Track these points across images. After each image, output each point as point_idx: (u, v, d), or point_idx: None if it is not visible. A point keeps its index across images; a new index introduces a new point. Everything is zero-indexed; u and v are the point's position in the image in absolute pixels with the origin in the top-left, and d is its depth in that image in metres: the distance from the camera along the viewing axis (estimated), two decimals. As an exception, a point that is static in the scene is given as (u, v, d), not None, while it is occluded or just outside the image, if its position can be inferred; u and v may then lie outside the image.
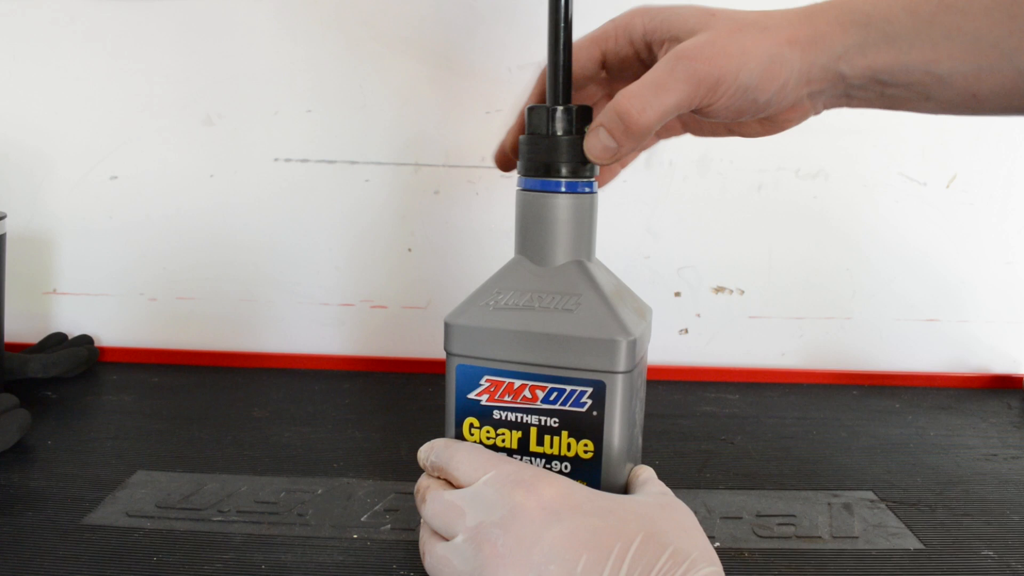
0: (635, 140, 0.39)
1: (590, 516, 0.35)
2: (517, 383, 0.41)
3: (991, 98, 0.37)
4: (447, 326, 0.41)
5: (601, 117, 0.39)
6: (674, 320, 0.81)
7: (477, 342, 0.41)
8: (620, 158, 0.40)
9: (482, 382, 0.41)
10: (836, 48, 0.37)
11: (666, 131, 0.47)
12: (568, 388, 0.40)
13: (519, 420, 0.41)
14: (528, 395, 0.41)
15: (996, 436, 0.66)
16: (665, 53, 0.40)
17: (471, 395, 0.42)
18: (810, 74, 0.38)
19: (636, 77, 0.42)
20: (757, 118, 0.41)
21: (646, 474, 0.42)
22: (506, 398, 0.41)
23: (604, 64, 0.44)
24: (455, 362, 0.42)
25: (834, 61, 0.37)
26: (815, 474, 0.58)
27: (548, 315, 0.40)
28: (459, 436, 0.42)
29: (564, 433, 0.41)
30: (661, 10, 0.41)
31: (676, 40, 0.39)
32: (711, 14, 0.39)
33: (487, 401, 0.41)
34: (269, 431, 0.63)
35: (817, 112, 0.41)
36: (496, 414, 0.41)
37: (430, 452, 0.40)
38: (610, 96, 0.45)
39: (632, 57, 0.43)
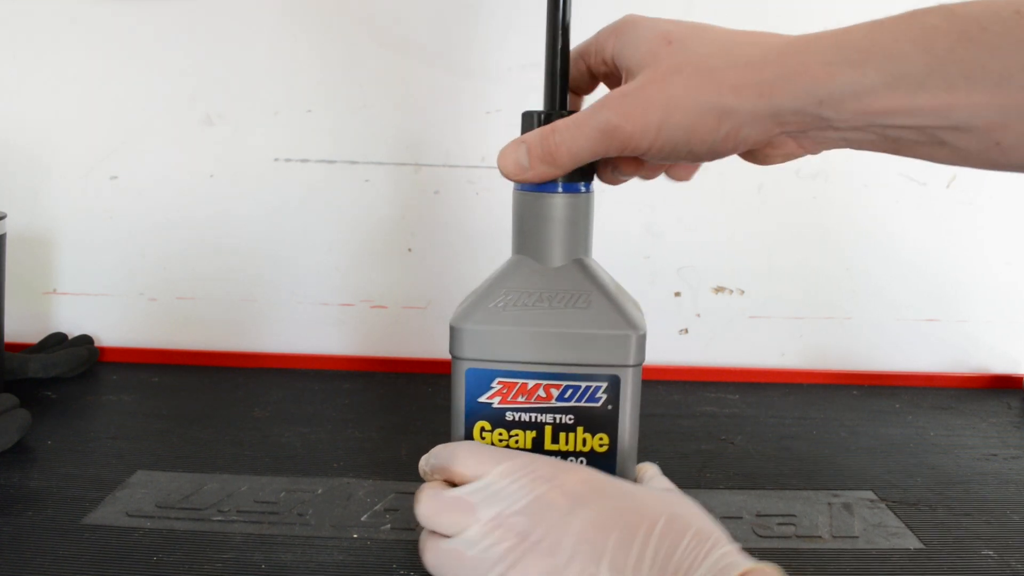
0: (548, 169, 0.38)
1: (614, 499, 0.35)
2: (531, 383, 0.41)
3: (1018, 148, 0.31)
4: (455, 330, 0.41)
5: (529, 135, 0.38)
6: (674, 320, 0.81)
7: (488, 345, 0.40)
8: (524, 180, 0.39)
9: (494, 385, 0.41)
10: (815, 91, 0.32)
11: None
12: (583, 384, 0.40)
13: (534, 420, 0.41)
14: (543, 394, 0.41)
15: (996, 436, 0.66)
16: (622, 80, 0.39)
17: (482, 398, 0.41)
18: (778, 117, 0.34)
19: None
20: (725, 157, 0.38)
21: (653, 470, 0.42)
22: (519, 399, 0.41)
23: (598, 79, 0.43)
24: (464, 366, 0.41)
25: (813, 105, 0.33)
26: (815, 474, 0.58)
27: (560, 314, 0.40)
28: (468, 440, 0.42)
29: (580, 429, 0.41)
30: (630, 31, 0.38)
31: (629, 72, 0.37)
32: (667, 41, 0.35)
33: (500, 403, 0.41)
34: (269, 431, 0.63)
35: (814, 152, 0.37)
36: (509, 416, 0.41)
37: (429, 457, 0.40)
38: None
39: (611, 74, 0.41)
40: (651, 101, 0.35)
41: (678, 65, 0.35)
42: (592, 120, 0.36)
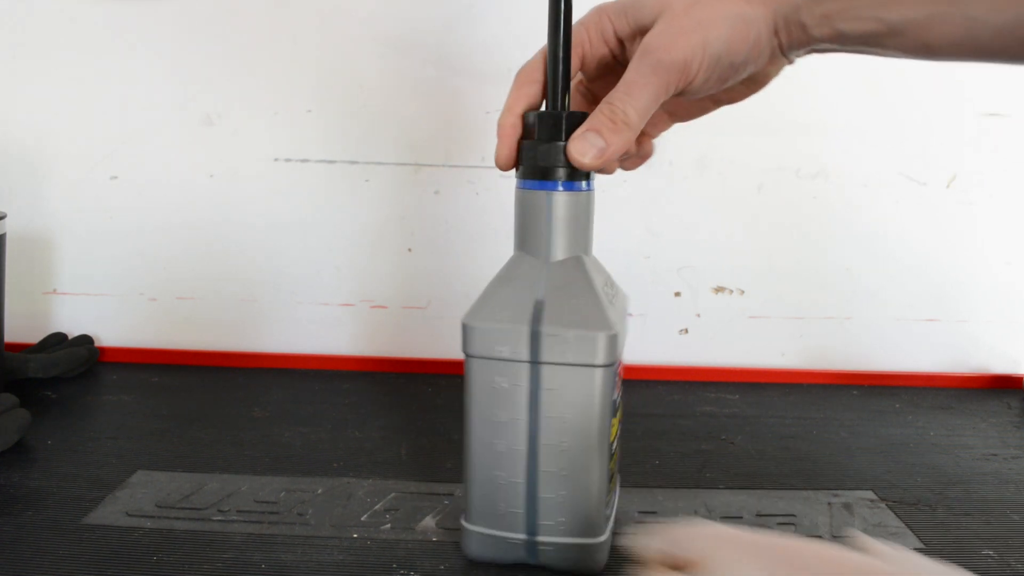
0: (624, 134, 0.39)
1: None
2: (621, 368, 0.44)
3: (944, 47, 0.37)
4: (606, 339, 0.40)
5: (588, 123, 0.40)
6: (674, 320, 0.81)
7: (619, 344, 0.42)
8: (608, 160, 0.40)
9: (616, 378, 0.43)
10: None
11: (652, 127, 0.47)
12: (622, 357, 0.45)
13: (620, 399, 0.45)
14: (620, 372, 0.44)
15: (996, 436, 0.66)
16: (636, 48, 0.41)
17: (613, 396, 0.42)
18: (776, 24, 0.39)
19: (613, 76, 0.42)
20: (740, 80, 0.41)
21: (871, 540, 0.35)
22: (619, 384, 0.44)
23: (582, 68, 0.44)
24: (609, 371, 0.41)
25: (794, 11, 0.39)
26: (815, 474, 0.58)
27: (619, 301, 0.44)
28: (606, 439, 0.42)
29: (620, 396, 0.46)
30: (623, 3, 0.42)
31: (643, 31, 0.40)
32: None
33: (616, 395, 0.43)
34: (269, 431, 0.63)
35: (791, 62, 0.42)
36: (617, 404, 0.44)
37: (655, 540, 0.35)
38: (591, 103, 0.45)
39: (607, 56, 0.43)
40: (686, 27, 0.38)
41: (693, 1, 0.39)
42: (641, 69, 0.39)
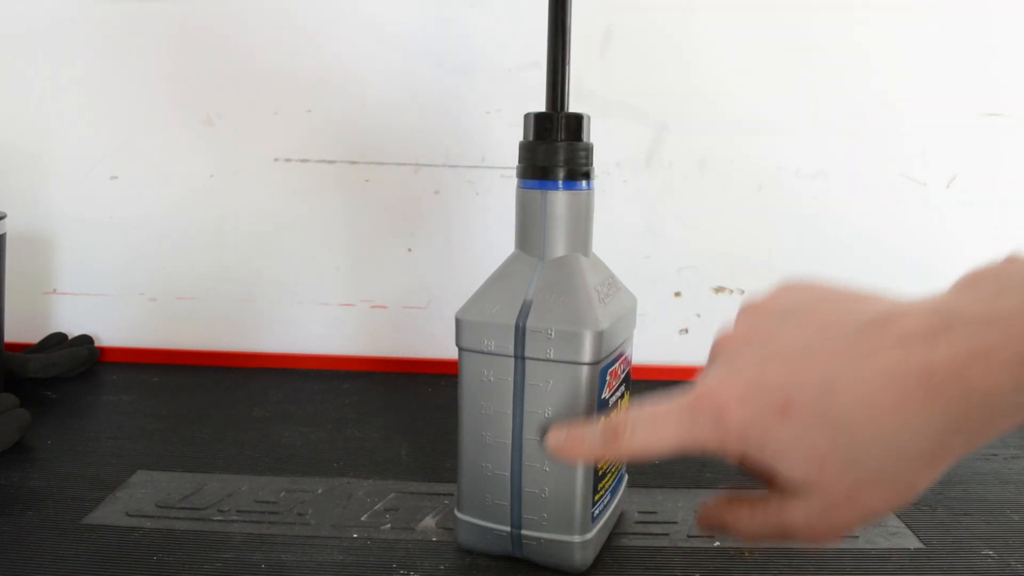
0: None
1: None
2: (615, 366, 0.43)
3: None
4: (591, 336, 0.40)
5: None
6: (674, 320, 0.81)
7: (608, 342, 0.41)
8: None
9: (607, 377, 0.42)
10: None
11: None
12: (626, 353, 0.46)
13: (617, 400, 0.44)
14: (619, 372, 0.44)
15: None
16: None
17: (603, 395, 0.42)
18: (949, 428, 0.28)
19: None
20: None
21: None
22: (613, 383, 0.43)
23: None
24: (595, 369, 0.41)
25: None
26: (815, 474, 0.58)
27: (615, 299, 0.44)
28: None
29: (624, 393, 0.46)
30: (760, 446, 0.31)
31: (785, 481, 0.30)
32: (825, 447, 0.29)
33: (607, 394, 0.43)
34: (269, 431, 0.63)
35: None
36: (610, 403, 0.43)
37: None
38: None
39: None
40: (846, 518, 0.29)
41: (856, 482, 0.28)
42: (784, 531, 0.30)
